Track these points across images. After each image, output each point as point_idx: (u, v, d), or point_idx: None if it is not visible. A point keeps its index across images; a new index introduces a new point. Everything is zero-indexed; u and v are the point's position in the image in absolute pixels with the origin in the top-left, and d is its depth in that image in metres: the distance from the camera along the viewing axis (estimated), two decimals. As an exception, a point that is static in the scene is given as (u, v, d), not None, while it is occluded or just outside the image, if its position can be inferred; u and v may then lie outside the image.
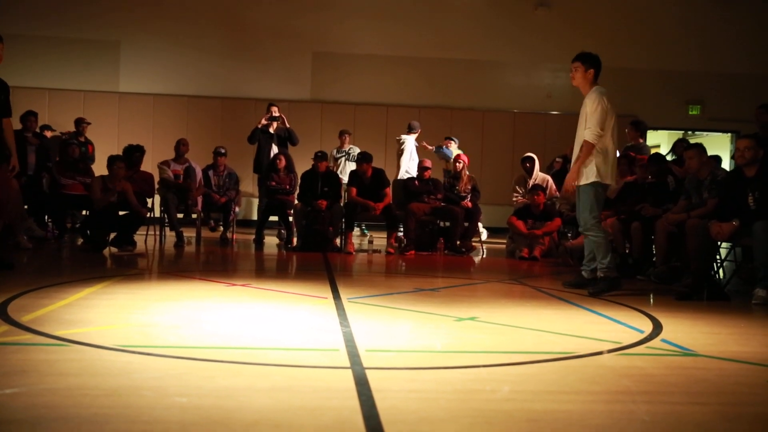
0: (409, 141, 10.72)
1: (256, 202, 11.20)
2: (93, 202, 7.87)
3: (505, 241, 9.45)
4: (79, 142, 9.94)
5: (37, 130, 9.94)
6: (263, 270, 7.24)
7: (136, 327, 3.72)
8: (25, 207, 8.07)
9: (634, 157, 7.93)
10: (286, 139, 10.00)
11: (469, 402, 2.57)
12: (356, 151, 10.88)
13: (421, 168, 9.10)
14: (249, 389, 2.62)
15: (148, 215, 8.39)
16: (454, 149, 10.70)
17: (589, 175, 5.43)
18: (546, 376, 3.02)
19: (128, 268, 6.63)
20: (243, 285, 5.44)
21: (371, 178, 8.73)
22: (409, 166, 10.54)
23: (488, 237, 10.89)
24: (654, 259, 6.79)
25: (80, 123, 10.91)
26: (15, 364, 2.87)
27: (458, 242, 8.72)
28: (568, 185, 5.56)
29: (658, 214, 6.63)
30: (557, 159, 10.63)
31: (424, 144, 11.04)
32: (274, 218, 9.69)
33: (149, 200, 8.60)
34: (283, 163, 9.30)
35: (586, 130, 5.40)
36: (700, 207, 6.12)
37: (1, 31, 5.77)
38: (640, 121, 9.43)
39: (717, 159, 7.66)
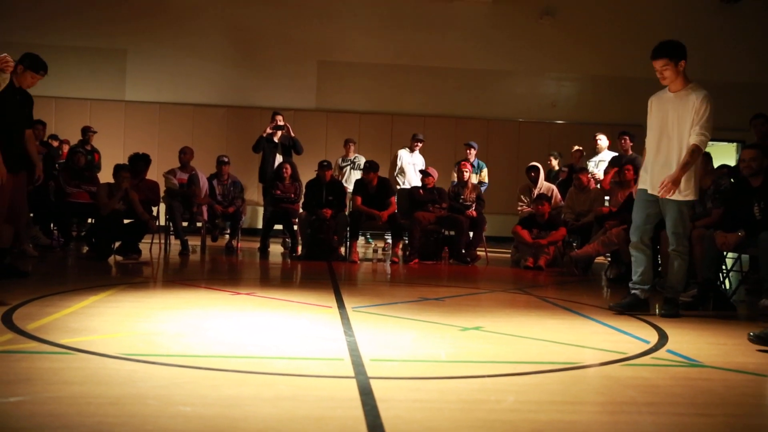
0: (402, 154, 10.66)
1: (261, 210, 11.21)
2: (99, 208, 7.89)
3: (510, 250, 9.44)
4: (85, 151, 9.98)
5: (45, 139, 9.98)
6: (268, 279, 7.24)
7: (140, 335, 3.72)
8: (31, 215, 8.09)
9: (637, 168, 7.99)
10: (290, 147, 10.02)
11: (474, 412, 2.56)
12: (361, 159, 10.87)
13: (423, 173, 9.08)
14: (254, 398, 2.62)
15: (153, 222, 8.38)
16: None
17: (688, 191, 4.82)
18: (551, 386, 3.01)
19: (133, 277, 6.64)
20: (248, 294, 5.44)
21: (376, 187, 8.74)
22: (398, 179, 10.47)
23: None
24: (659, 269, 6.76)
25: (86, 131, 10.96)
26: (19, 372, 2.87)
27: (463, 251, 8.71)
28: (669, 189, 4.72)
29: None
30: (563, 169, 10.64)
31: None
32: (279, 227, 9.69)
33: (154, 208, 8.61)
34: (289, 171, 9.33)
35: (698, 135, 4.69)
36: (704, 217, 6.11)
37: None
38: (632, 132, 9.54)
39: (729, 167, 7.64)
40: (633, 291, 5.03)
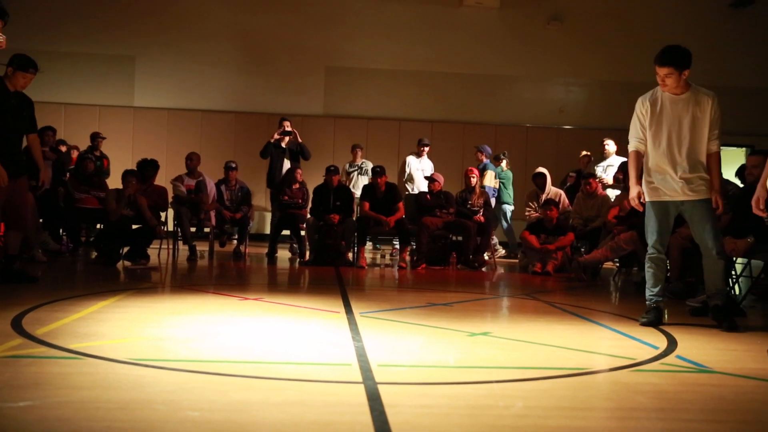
0: (410, 160, 10.81)
1: (269, 216, 11.24)
2: (108, 213, 7.92)
3: (518, 255, 9.42)
4: (94, 157, 10.02)
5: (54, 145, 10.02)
6: (276, 284, 7.25)
7: (149, 340, 3.73)
8: (40, 221, 8.12)
9: None
10: (298, 153, 10.06)
11: (482, 418, 2.56)
12: (368, 165, 10.91)
13: (429, 180, 9.10)
14: (262, 404, 2.62)
15: (161, 228, 8.40)
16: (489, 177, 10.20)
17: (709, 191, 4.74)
18: (559, 392, 3.00)
19: (141, 282, 6.66)
20: (255, 299, 5.44)
21: (384, 193, 8.75)
22: (407, 186, 10.60)
23: (504, 254, 10.83)
24: (668, 275, 6.73)
25: (95, 137, 11.01)
26: (29, 377, 2.88)
27: (471, 256, 8.70)
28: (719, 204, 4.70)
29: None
30: (570, 174, 10.63)
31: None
32: (286, 232, 9.70)
33: (163, 214, 8.64)
34: (301, 176, 9.38)
35: (717, 139, 4.74)
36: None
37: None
38: None
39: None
40: (655, 304, 4.84)
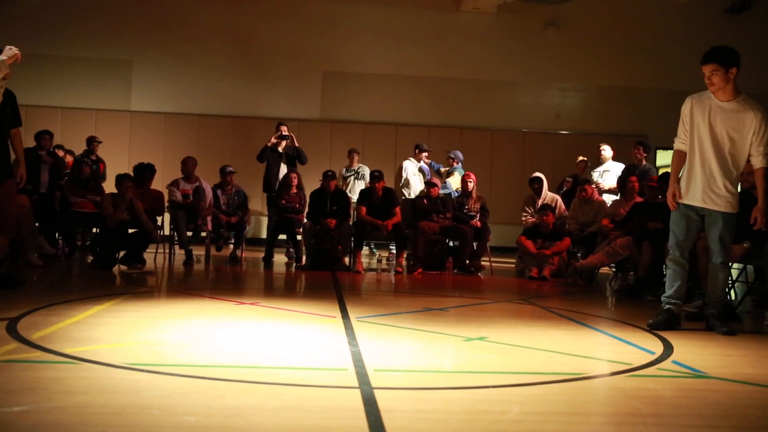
0: (406, 165, 10.74)
1: (265, 220, 11.24)
2: (104, 219, 7.90)
3: (514, 260, 9.43)
4: (90, 161, 10.01)
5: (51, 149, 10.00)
6: (272, 288, 7.24)
7: (144, 345, 3.72)
8: (36, 224, 8.10)
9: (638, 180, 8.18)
10: (294, 157, 10.05)
11: (478, 423, 2.55)
12: (365, 169, 10.90)
13: (428, 184, 9.11)
14: (258, 408, 2.62)
15: (158, 232, 8.38)
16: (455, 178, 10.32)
17: (736, 203, 4.72)
18: (555, 397, 3.00)
19: (137, 286, 6.65)
20: (252, 303, 5.43)
21: (381, 197, 8.74)
22: (403, 191, 10.54)
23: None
24: (664, 279, 6.74)
25: (92, 141, 10.99)
26: (24, 382, 2.87)
27: (467, 261, 8.70)
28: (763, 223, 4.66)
29: (660, 228, 6.46)
30: (567, 179, 10.65)
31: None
32: (283, 236, 9.69)
33: (159, 218, 8.62)
34: (296, 180, 9.36)
35: (764, 156, 4.59)
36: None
37: None
38: (648, 143, 9.64)
39: None
40: (668, 306, 4.83)
